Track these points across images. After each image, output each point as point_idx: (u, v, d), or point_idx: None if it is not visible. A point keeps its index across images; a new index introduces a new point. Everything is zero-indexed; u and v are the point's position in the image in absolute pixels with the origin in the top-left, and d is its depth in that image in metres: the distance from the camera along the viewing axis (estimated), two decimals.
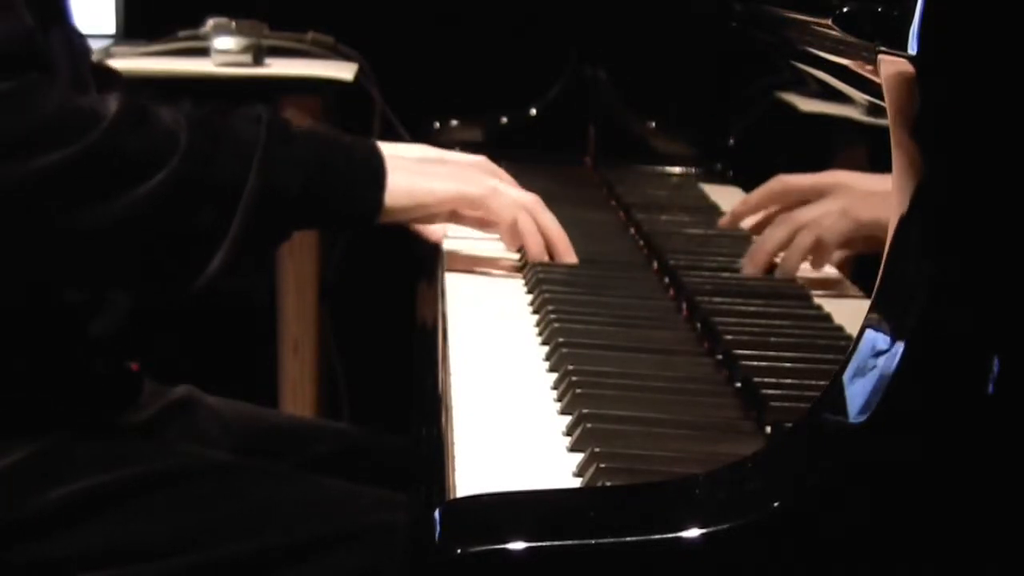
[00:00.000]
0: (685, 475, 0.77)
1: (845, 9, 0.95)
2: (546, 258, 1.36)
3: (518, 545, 0.71)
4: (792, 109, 1.46)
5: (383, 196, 1.30)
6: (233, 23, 2.17)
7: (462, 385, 1.03)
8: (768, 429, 0.94)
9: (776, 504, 0.71)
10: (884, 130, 0.76)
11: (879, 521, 0.71)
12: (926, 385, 0.71)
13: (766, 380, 0.98)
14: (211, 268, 1.22)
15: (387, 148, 1.34)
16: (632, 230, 1.53)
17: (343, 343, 2.42)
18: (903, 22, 0.72)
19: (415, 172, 1.33)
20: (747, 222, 1.46)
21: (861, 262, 1.22)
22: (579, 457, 0.88)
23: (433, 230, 1.46)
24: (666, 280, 1.31)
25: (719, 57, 1.69)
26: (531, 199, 1.37)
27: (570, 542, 0.71)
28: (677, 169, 1.87)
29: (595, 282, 1.29)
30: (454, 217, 1.36)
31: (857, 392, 0.73)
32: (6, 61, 1.16)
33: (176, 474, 1.29)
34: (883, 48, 0.75)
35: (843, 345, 0.92)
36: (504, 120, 2.04)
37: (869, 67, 0.83)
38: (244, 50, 2.15)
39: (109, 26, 2.44)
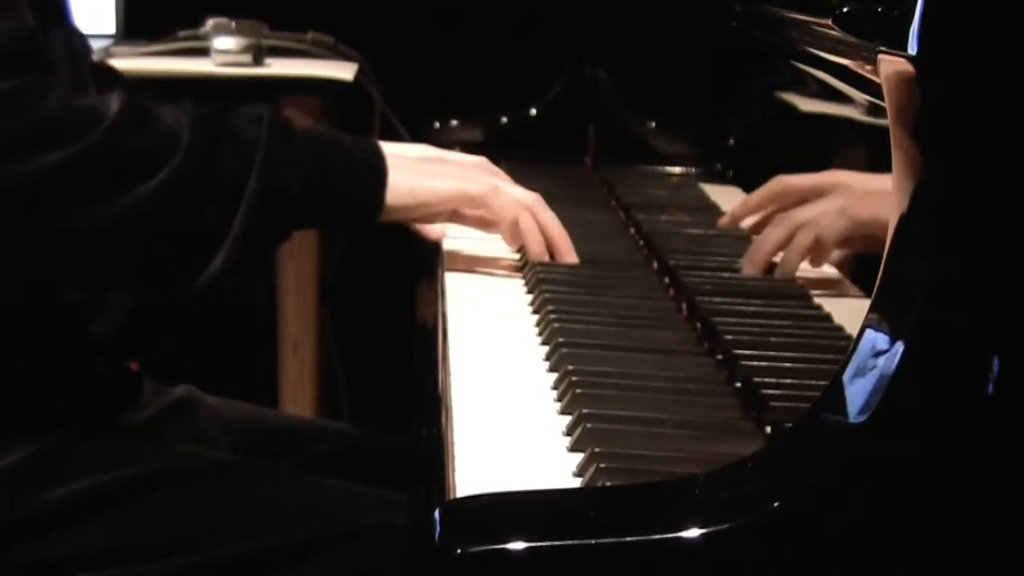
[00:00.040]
0: (685, 475, 0.77)
1: (845, 9, 0.95)
2: (547, 257, 1.36)
3: (518, 545, 0.71)
4: (792, 109, 1.46)
5: (384, 195, 1.30)
6: (233, 23, 2.17)
7: (462, 385, 1.03)
8: (768, 429, 0.94)
9: (776, 504, 0.71)
10: (884, 130, 0.76)
11: (879, 521, 0.71)
12: (926, 385, 0.71)
13: (766, 380, 0.98)
14: (212, 268, 1.22)
15: (388, 147, 1.34)
16: (632, 230, 1.53)
17: (343, 343, 2.42)
18: (903, 22, 0.72)
19: (416, 171, 1.33)
20: (747, 222, 1.46)
21: (861, 262, 1.22)
22: (579, 457, 0.88)
23: (433, 230, 1.46)
24: (666, 280, 1.31)
25: (719, 57, 1.69)
26: (532, 198, 1.37)
27: (570, 542, 0.71)
28: (677, 169, 1.87)
29: (595, 282, 1.29)
30: (455, 216, 1.36)
31: (857, 392, 0.73)
32: (7, 61, 1.16)
33: (176, 474, 1.29)
34: (883, 48, 0.76)
35: (843, 345, 0.92)
36: (504, 120, 2.05)
37: (869, 67, 0.83)
38: (244, 50, 2.15)
39: (109, 26, 2.44)
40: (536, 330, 1.17)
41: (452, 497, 0.84)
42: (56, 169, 1.15)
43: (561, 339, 1.10)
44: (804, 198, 1.29)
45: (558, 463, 0.89)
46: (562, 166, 1.94)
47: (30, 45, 1.19)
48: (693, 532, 0.70)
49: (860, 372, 0.73)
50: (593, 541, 0.71)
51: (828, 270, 1.27)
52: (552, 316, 1.17)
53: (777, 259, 1.29)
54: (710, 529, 0.70)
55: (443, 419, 0.98)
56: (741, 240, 1.41)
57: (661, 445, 0.90)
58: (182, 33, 2.27)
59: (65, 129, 1.16)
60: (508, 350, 1.12)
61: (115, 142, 1.18)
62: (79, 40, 1.38)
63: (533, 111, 2.04)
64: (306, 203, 1.26)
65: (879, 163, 0.82)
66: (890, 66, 0.75)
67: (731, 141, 1.72)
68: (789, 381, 0.98)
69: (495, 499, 0.77)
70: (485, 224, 1.38)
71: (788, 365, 1.03)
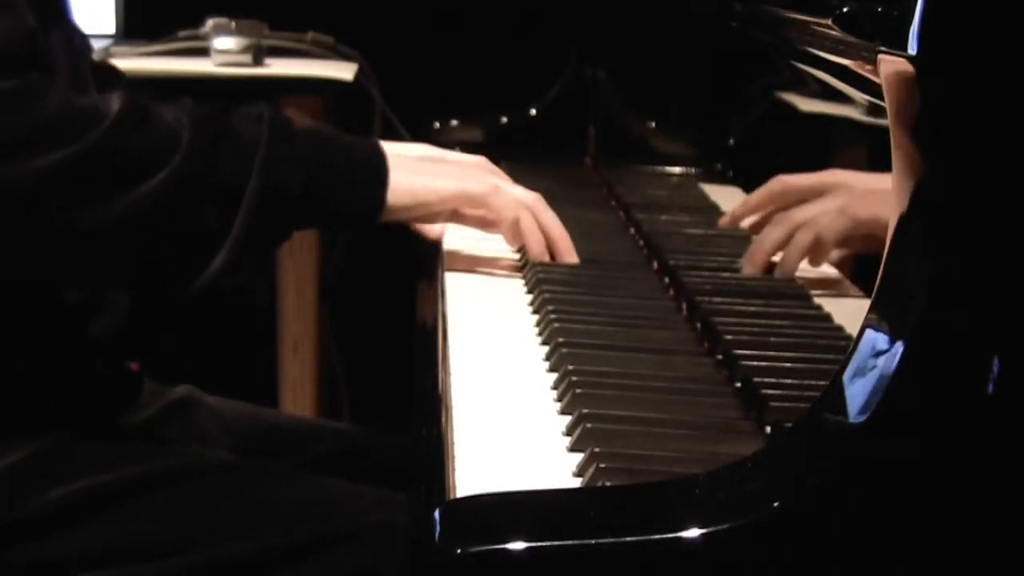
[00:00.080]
0: (685, 475, 0.77)
1: (845, 9, 0.95)
2: (547, 257, 1.36)
3: (518, 545, 0.71)
4: (792, 109, 1.46)
5: (385, 194, 1.30)
6: (233, 23, 2.17)
7: (462, 385, 1.03)
8: (768, 429, 0.94)
9: (776, 504, 0.71)
10: (884, 130, 0.76)
11: (879, 521, 0.71)
12: (926, 385, 0.71)
13: (766, 380, 0.98)
14: (213, 267, 1.22)
15: (389, 147, 1.33)
16: (632, 230, 1.53)
17: (343, 343, 2.42)
18: (903, 22, 0.72)
19: (417, 171, 1.33)
20: (747, 222, 1.46)
21: (861, 262, 1.22)
22: (579, 457, 0.88)
23: (433, 230, 1.46)
24: (666, 280, 1.31)
25: (719, 57, 1.69)
26: (533, 198, 1.37)
27: (570, 542, 0.71)
28: (677, 169, 1.87)
29: (595, 282, 1.29)
30: (456, 216, 1.36)
31: (857, 392, 0.73)
32: (7, 61, 1.16)
33: (176, 474, 1.29)
34: (883, 48, 0.76)
35: (843, 345, 0.92)
36: (504, 120, 2.05)
37: (869, 67, 0.83)
38: (244, 50, 2.15)
39: (109, 26, 2.44)
40: (536, 330, 1.17)
41: (452, 497, 0.84)
42: (56, 169, 1.15)
43: (561, 339, 1.10)
44: (804, 198, 1.29)
45: (558, 463, 0.89)
46: (562, 166, 1.94)
47: (30, 45, 1.19)
48: (693, 532, 0.70)
49: (860, 372, 0.73)
50: (593, 541, 0.71)
51: (828, 270, 1.27)
52: (552, 316, 1.17)
53: (777, 259, 1.29)
54: (710, 529, 0.70)
55: (443, 419, 0.98)
56: (741, 240, 1.41)
57: (661, 445, 0.90)
58: (182, 33, 2.27)
59: (65, 129, 1.16)
60: (508, 350, 1.12)
61: (115, 142, 1.18)
62: (80, 39, 1.38)
63: (533, 111, 2.04)
64: (307, 203, 1.26)
65: (879, 163, 0.82)
66: (890, 66, 0.75)
67: (731, 141, 1.72)
68: (789, 381, 0.98)
69: (495, 499, 0.77)
70: (486, 224, 1.38)
71: (788, 365, 1.03)
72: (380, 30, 2.45)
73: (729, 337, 1.09)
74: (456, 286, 1.32)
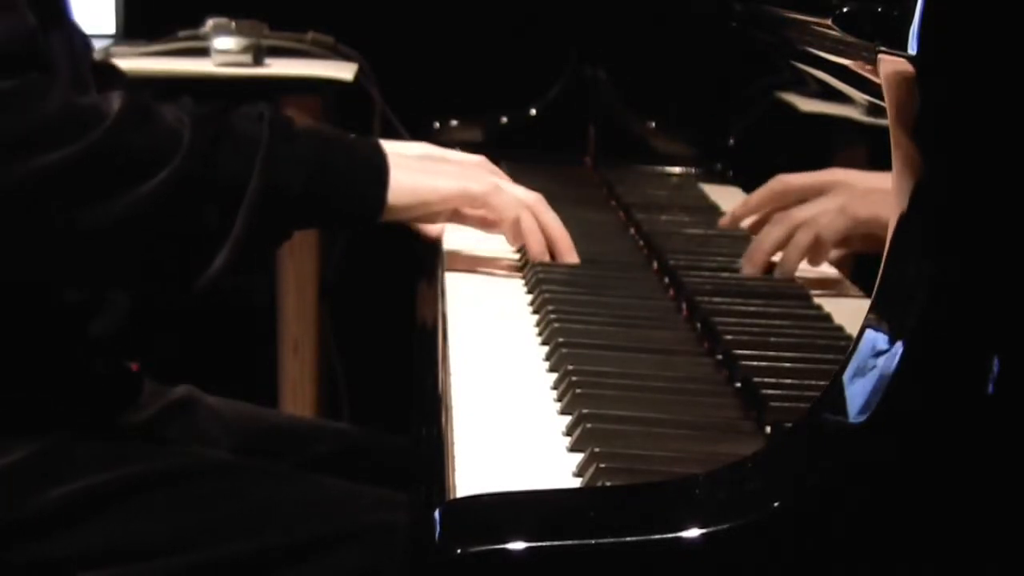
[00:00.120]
0: (685, 475, 0.77)
1: (845, 9, 0.95)
2: (547, 257, 1.36)
3: (518, 545, 0.71)
4: (792, 109, 1.46)
5: (386, 194, 1.30)
6: (233, 23, 2.17)
7: (462, 385, 1.03)
8: (768, 429, 0.94)
9: (776, 504, 0.71)
10: (884, 130, 0.76)
11: (879, 521, 0.71)
12: (926, 385, 0.71)
13: (766, 380, 0.98)
14: (213, 267, 1.21)
15: (389, 146, 1.33)
16: (632, 230, 1.53)
17: (343, 343, 2.43)
18: (903, 22, 0.72)
19: (418, 170, 1.33)
20: (747, 222, 1.46)
21: (861, 262, 1.22)
22: (579, 457, 0.88)
23: (433, 229, 1.46)
24: (666, 280, 1.31)
25: (719, 57, 1.69)
26: (534, 198, 1.37)
27: (570, 542, 0.71)
28: (677, 169, 1.87)
29: (595, 282, 1.29)
30: (456, 216, 1.36)
31: (857, 392, 0.73)
32: (7, 61, 1.16)
33: (176, 474, 1.29)
34: (883, 48, 0.76)
35: (843, 345, 0.92)
36: (504, 120, 2.05)
37: (869, 67, 0.83)
38: (244, 50, 2.15)
39: (109, 26, 2.44)
40: (536, 330, 1.17)
41: (452, 497, 0.84)
42: (57, 169, 1.15)
43: (561, 339, 1.10)
44: (804, 197, 1.29)
45: (558, 463, 0.89)
46: (562, 166, 1.94)
47: (30, 45, 1.19)
48: (693, 532, 0.70)
49: (860, 372, 0.73)
50: (593, 541, 0.71)
51: (828, 270, 1.27)
52: (552, 316, 1.17)
53: (776, 259, 1.29)
54: (710, 529, 0.70)
55: (443, 419, 0.98)
56: (741, 240, 1.41)
57: (661, 445, 0.90)
58: (182, 33, 2.28)
59: (66, 128, 1.16)
60: (508, 350, 1.12)
61: (116, 141, 1.18)
62: (80, 39, 1.38)
63: (533, 111, 2.04)
64: (307, 202, 1.26)
65: (879, 163, 0.82)
66: (890, 66, 0.75)
67: (731, 141, 1.72)
68: (789, 381, 0.98)
69: (495, 499, 0.77)
70: (486, 224, 1.38)
71: (788, 365, 1.03)
72: (380, 30, 2.45)
73: (729, 337, 1.09)
74: (456, 286, 1.32)
